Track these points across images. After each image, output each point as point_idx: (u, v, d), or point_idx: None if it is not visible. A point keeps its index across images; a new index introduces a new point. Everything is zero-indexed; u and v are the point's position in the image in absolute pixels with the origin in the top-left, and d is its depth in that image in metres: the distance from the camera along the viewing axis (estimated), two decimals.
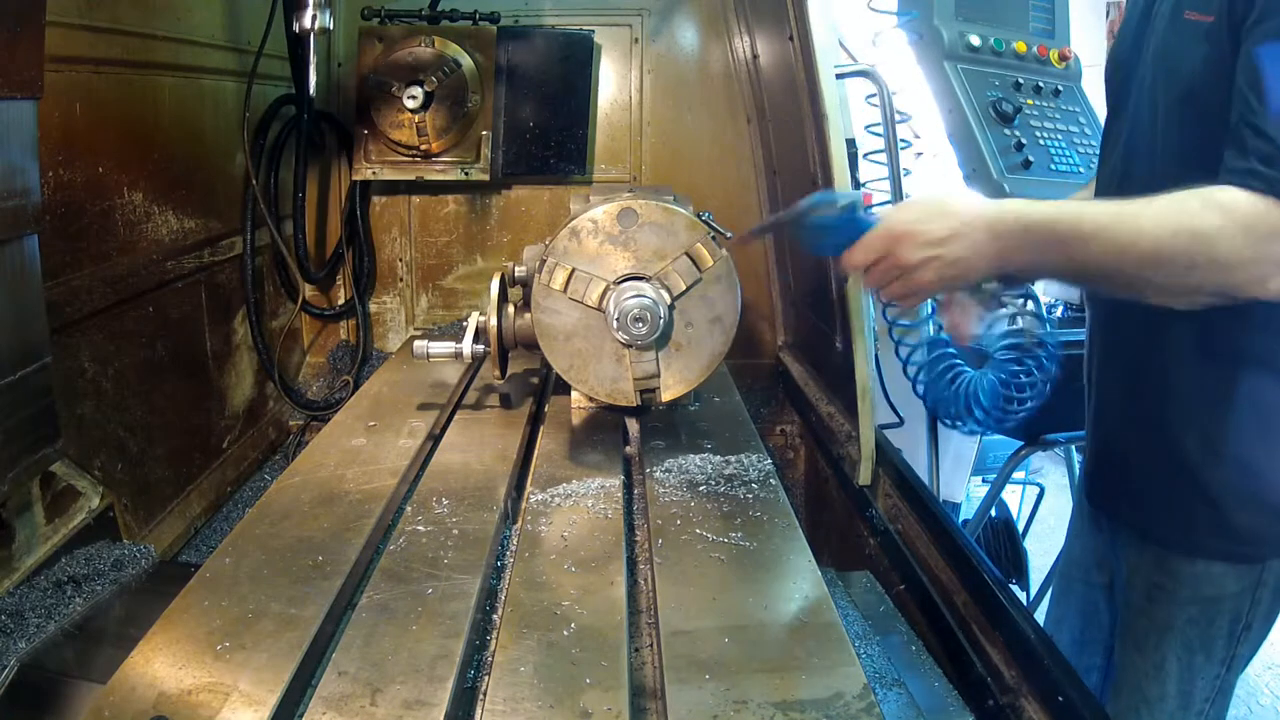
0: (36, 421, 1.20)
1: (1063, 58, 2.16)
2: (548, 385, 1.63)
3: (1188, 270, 0.95)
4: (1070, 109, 2.13)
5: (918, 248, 1.06)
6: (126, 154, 1.63)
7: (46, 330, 1.22)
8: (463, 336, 1.39)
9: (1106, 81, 1.35)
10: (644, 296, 1.21)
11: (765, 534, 1.04)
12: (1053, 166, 2.01)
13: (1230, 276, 0.94)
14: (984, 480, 2.87)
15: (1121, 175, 1.26)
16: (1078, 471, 1.58)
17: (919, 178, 2.39)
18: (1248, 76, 0.97)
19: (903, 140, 2.14)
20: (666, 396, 1.31)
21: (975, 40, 2.07)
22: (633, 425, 1.40)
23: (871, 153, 2.21)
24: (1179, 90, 1.11)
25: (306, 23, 1.72)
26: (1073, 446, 2.36)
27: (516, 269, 1.46)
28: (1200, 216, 0.94)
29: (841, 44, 2.29)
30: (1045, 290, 2.01)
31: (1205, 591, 1.21)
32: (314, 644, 0.83)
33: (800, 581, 0.95)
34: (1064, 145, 2.05)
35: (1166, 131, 1.15)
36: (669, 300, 1.25)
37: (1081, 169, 2.02)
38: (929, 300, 1.38)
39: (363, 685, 0.77)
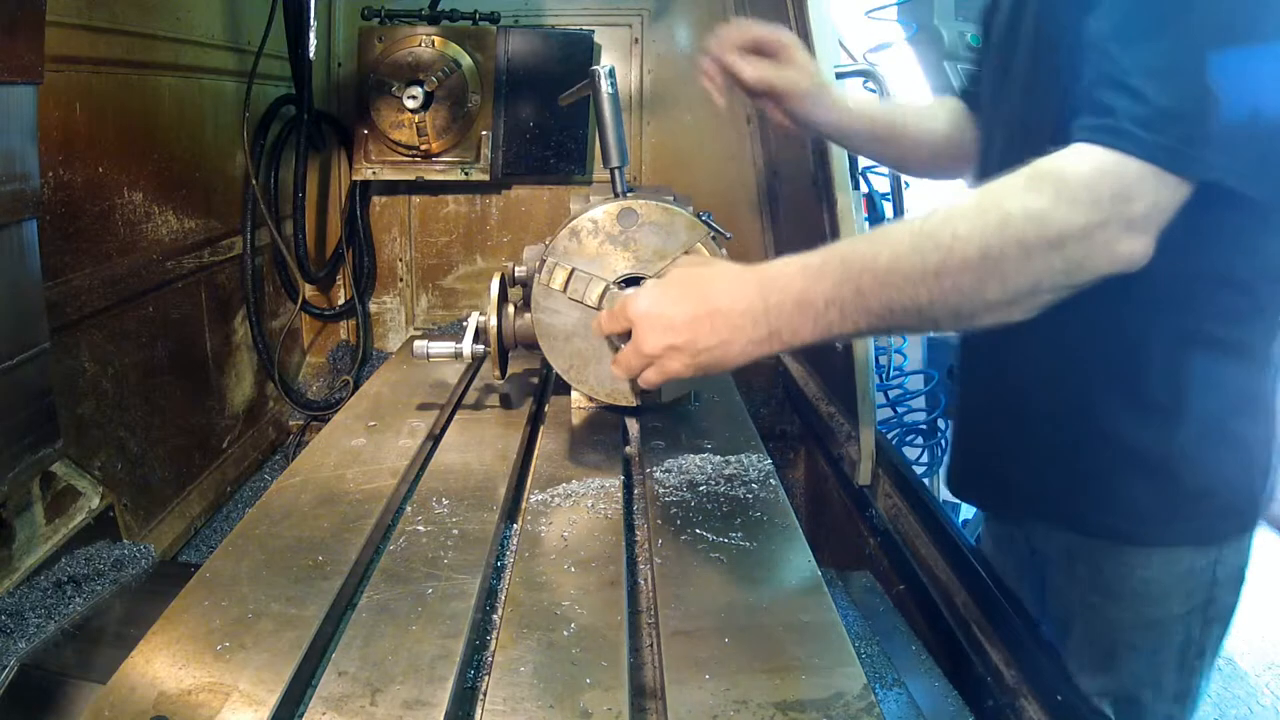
0: (36, 421, 1.20)
1: None
2: (548, 385, 1.63)
3: (1023, 261, 0.78)
4: None
5: (658, 335, 0.92)
6: (126, 154, 1.63)
7: (45, 318, 1.22)
8: (463, 336, 1.38)
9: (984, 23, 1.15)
10: None
11: (765, 534, 1.04)
12: None
13: (1072, 251, 0.78)
14: None
15: (1004, 148, 1.04)
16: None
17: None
18: (1107, 23, 0.81)
19: None
20: (666, 397, 1.30)
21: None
22: (633, 425, 1.40)
23: None
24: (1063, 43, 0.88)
25: None
26: None
27: (516, 269, 1.46)
28: (1027, 194, 0.79)
29: (841, 44, 2.29)
30: None
31: (1148, 614, 1.04)
32: (314, 644, 0.83)
33: (800, 582, 0.95)
34: None
35: (1047, 97, 0.94)
36: None
37: None
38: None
39: (363, 685, 0.77)
